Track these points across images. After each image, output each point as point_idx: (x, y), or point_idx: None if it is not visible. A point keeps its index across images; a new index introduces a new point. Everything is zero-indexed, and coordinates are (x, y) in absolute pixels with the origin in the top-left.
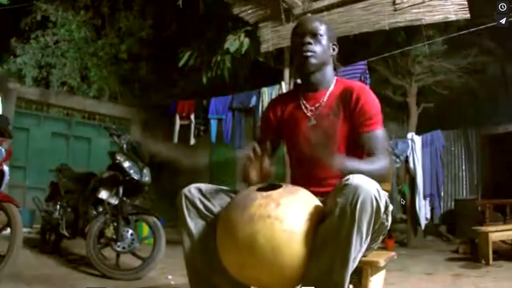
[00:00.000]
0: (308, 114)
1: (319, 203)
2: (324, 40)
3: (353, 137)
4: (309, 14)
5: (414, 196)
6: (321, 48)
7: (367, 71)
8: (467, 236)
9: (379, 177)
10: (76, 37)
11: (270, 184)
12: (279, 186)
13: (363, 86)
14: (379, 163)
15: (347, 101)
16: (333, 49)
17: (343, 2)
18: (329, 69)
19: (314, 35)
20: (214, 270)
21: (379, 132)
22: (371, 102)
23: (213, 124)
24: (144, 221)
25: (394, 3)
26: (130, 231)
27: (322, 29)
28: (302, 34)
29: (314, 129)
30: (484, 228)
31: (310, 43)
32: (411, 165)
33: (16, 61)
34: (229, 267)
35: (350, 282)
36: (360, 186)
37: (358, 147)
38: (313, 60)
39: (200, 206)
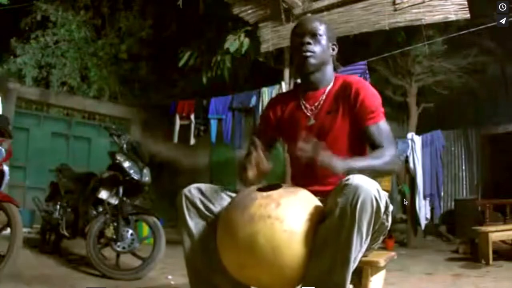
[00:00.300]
0: (308, 114)
1: (319, 203)
2: (323, 40)
3: (354, 133)
4: (309, 14)
5: (414, 196)
6: (321, 48)
7: (367, 71)
8: (467, 236)
9: (391, 168)
10: (76, 37)
11: (270, 184)
12: (279, 186)
13: (361, 80)
14: (388, 155)
15: (346, 96)
16: (333, 49)
17: (343, 2)
18: (329, 69)
19: (314, 35)
20: (214, 270)
21: (383, 123)
22: (371, 95)
23: (213, 124)
24: (144, 221)
25: (394, 3)
26: (130, 231)
27: (321, 29)
28: (301, 34)
29: (313, 128)
30: (484, 228)
31: (309, 43)
32: (411, 165)
33: (16, 61)
34: (229, 267)
35: (350, 282)
36: (360, 186)
37: (360, 143)
38: (312, 60)
39: (200, 206)
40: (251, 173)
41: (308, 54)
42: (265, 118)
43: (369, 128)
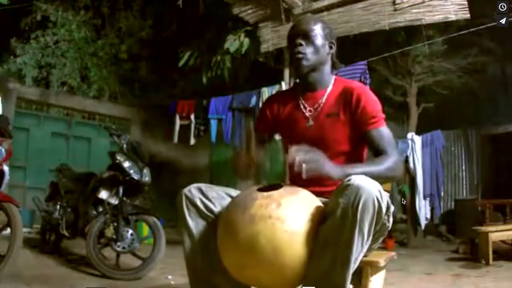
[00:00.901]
0: (307, 115)
1: (320, 204)
2: (317, 40)
3: (353, 138)
4: (308, 14)
5: (414, 196)
6: (314, 49)
7: (367, 71)
8: (467, 236)
9: (392, 175)
10: (76, 37)
11: (270, 184)
12: (280, 186)
13: (362, 86)
14: (389, 161)
15: (347, 101)
16: (330, 47)
17: (343, 2)
18: (326, 68)
19: (306, 36)
20: (214, 270)
21: (385, 129)
22: (372, 101)
23: (213, 124)
24: (144, 221)
25: (394, 3)
26: (130, 231)
27: (315, 29)
28: (294, 36)
29: (312, 129)
30: (484, 228)
31: (301, 45)
32: (411, 165)
33: (16, 61)
34: (229, 268)
35: (350, 282)
36: (362, 186)
37: (358, 148)
38: (305, 62)
39: (201, 206)
40: (243, 158)
41: (300, 56)
42: (261, 115)
43: (371, 132)
